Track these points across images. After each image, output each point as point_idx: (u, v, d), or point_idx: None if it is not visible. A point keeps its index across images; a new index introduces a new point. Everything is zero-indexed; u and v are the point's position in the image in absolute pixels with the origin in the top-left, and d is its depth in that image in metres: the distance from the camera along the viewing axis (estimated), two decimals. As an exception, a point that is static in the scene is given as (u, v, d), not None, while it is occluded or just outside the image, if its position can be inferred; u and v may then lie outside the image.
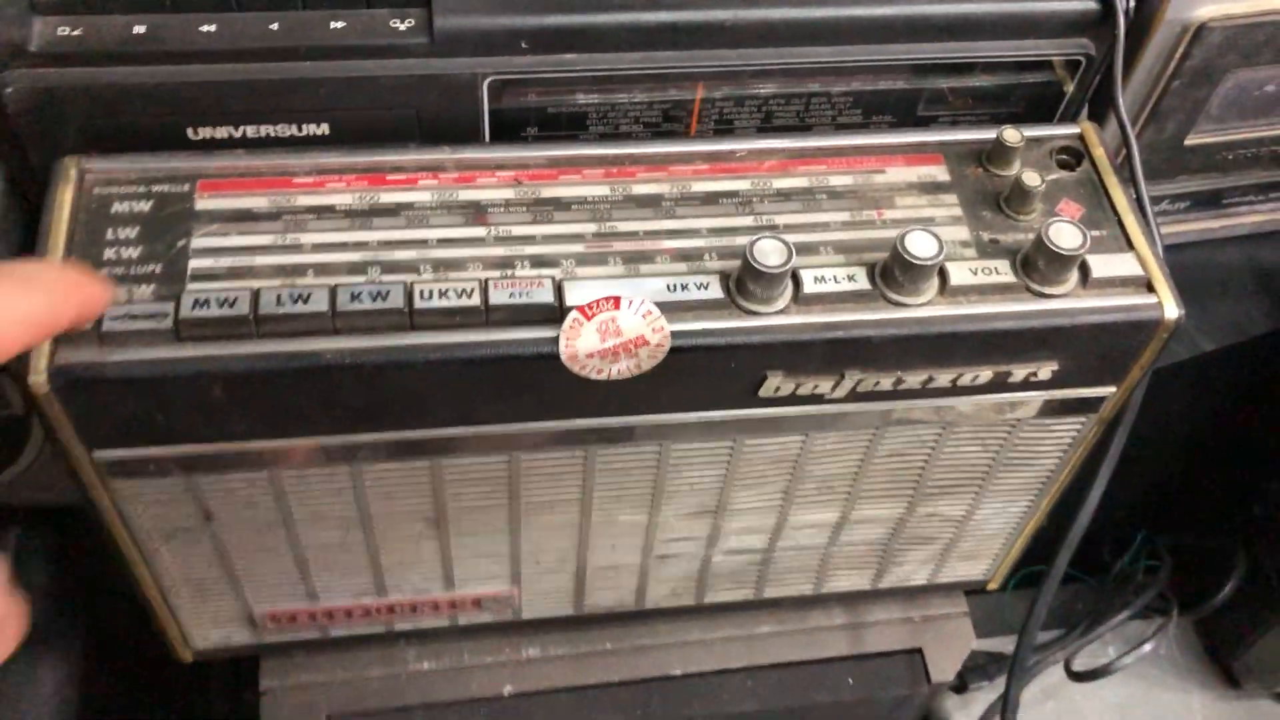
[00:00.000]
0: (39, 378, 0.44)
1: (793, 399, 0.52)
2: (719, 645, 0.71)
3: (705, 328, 0.48)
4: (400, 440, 0.51)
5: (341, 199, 0.50)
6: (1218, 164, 0.67)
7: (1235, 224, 0.73)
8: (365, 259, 0.48)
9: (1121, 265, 0.51)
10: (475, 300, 0.47)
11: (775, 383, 0.50)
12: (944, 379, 0.52)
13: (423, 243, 0.49)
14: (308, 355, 0.46)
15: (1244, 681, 0.92)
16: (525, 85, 0.52)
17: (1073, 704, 0.89)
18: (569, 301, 0.47)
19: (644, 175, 0.52)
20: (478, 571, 0.61)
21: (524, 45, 0.51)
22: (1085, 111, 0.60)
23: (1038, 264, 0.50)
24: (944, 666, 0.72)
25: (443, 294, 0.47)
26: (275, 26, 0.50)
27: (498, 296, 0.47)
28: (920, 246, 0.48)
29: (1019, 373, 0.52)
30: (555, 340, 0.47)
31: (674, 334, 0.47)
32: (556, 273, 0.49)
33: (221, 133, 0.51)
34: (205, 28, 0.49)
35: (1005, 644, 0.86)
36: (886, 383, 0.51)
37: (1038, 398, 0.55)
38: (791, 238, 0.47)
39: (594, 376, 0.48)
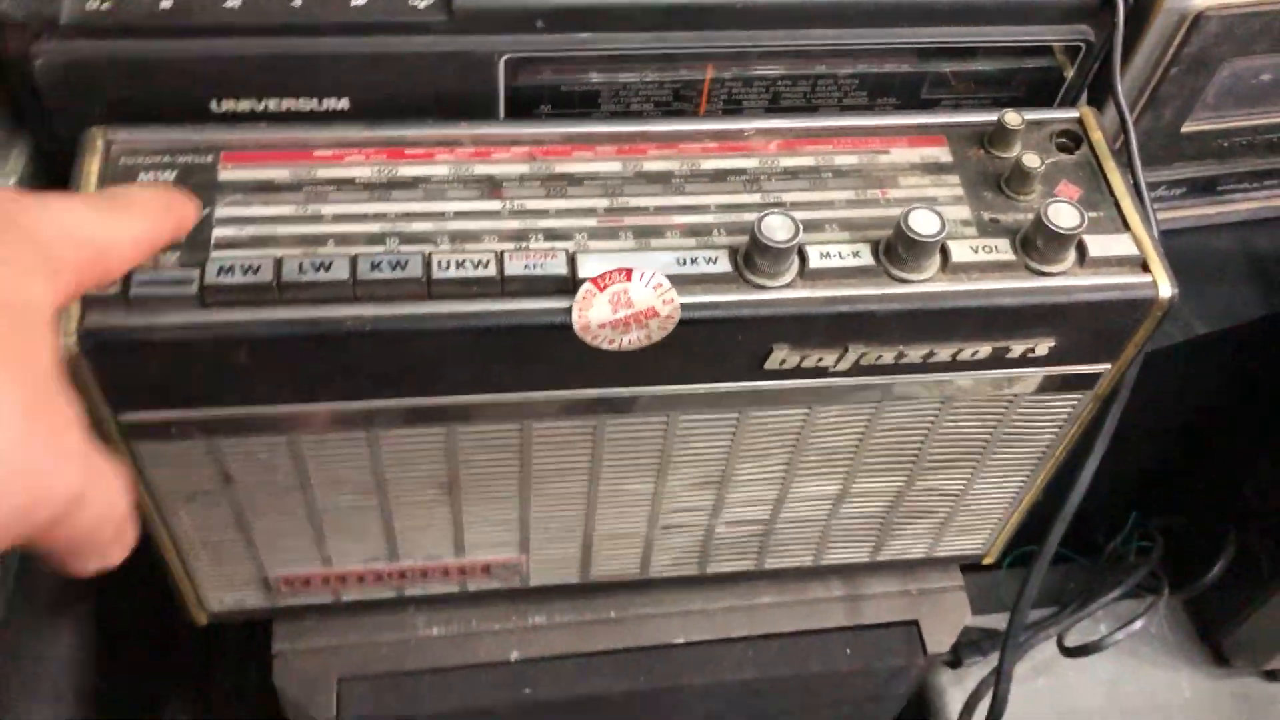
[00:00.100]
0: (69, 339, 0.45)
1: (797, 372, 0.53)
2: (720, 615, 0.72)
3: (714, 300, 0.49)
4: (416, 406, 0.52)
5: (361, 172, 0.51)
6: (1213, 151, 0.69)
7: (1230, 210, 0.74)
8: (384, 230, 0.50)
9: (1118, 245, 0.52)
10: (491, 271, 0.48)
11: (781, 355, 0.52)
12: (944, 354, 0.53)
13: (440, 215, 0.50)
14: (329, 321, 0.47)
15: (1233, 659, 0.93)
16: (540, 63, 0.54)
17: (1064, 680, 0.91)
18: (582, 273, 0.48)
19: (655, 153, 0.54)
20: (487, 538, 0.62)
21: (540, 24, 0.52)
22: (1084, 97, 0.62)
23: (1037, 243, 0.51)
24: (940, 638, 0.73)
25: (460, 264, 0.48)
26: (298, 3, 0.51)
27: (513, 268, 0.48)
28: (923, 224, 0.49)
29: (1017, 348, 0.54)
30: (568, 310, 0.48)
31: (683, 306, 0.49)
32: (570, 245, 0.50)
33: (244, 106, 0.52)
34: (230, 3, 0.50)
35: (999, 621, 0.87)
36: (889, 357, 0.53)
37: (1035, 374, 0.56)
38: (798, 215, 0.49)
39: (605, 347, 0.49)
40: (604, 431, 0.56)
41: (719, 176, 0.53)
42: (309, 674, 0.67)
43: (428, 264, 0.48)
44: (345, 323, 0.47)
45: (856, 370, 0.54)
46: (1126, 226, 0.54)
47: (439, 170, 0.52)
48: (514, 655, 0.69)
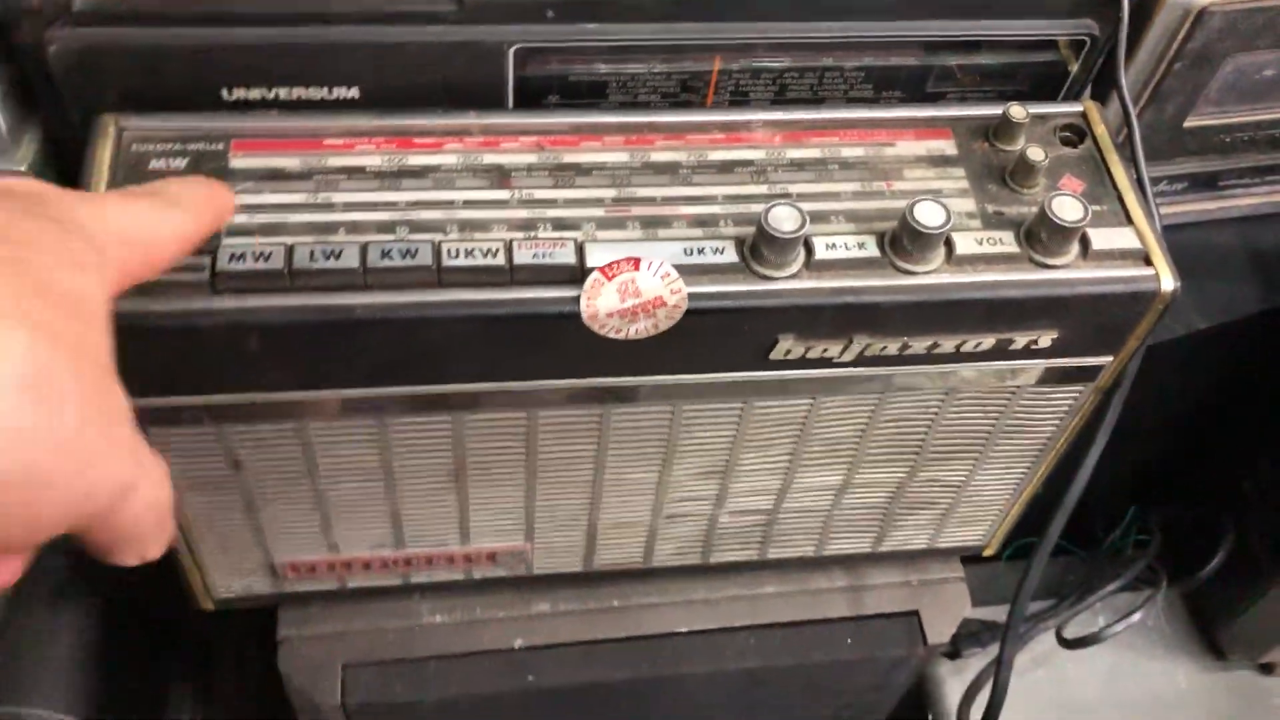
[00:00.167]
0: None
1: (802, 362, 0.54)
2: (723, 604, 0.73)
3: (721, 290, 0.50)
4: (424, 394, 0.52)
5: (371, 160, 0.52)
6: (1215, 146, 0.69)
7: (1231, 206, 0.75)
8: (394, 219, 0.50)
9: (1121, 238, 0.53)
10: (500, 260, 0.49)
11: (786, 346, 0.52)
12: (948, 345, 0.54)
13: (449, 204, 0.51)
14: (340, 309, 0.47)
15: (1229, 652, 0.94)
16: (549, 54, 0.54)
17: (1062, 671, 0.91)
18: (590, 263, 0.49)
19: (662, 143, 0.54)
20: (493, 526, 0.63)
21: (549, 14, 0.52)
22: (1088, 91, 0.62)
23: (1040, 235, 0.52)
24: (940, 629, 0.74)
25: (469, 253, 0.49)
26: (309, -8, 0.51)
27: (522, 256, 0.49)
28: (928, 216, 0.50)
29: (1020, 340, 0.54)
30: (577, 299, 0.48)
31: (690, 296, 0.49)
32: (578, 235, 0.50)
33: (255, 94, 0.53)
34: (242, -9, 0.51)
35: (999, 613, 0.88)
36: (893, 348, 0.53)
37: (1038, 365, 0.57)
38: (804, 206, 0.49)
39: (613, 336, 0.50)
40: (609, 420, 0.56)
41: (726, 167, 0.54)
42: (314, 660, 0.67)
43: (437, 252, 0.48)
44: (356, 310, 0.47)
45: (861, 361, 0.54)
46: (1129, 220, 0.54)
47: (448, 159, 0.52)
48: (518, 643, 0.70)
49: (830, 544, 0.70)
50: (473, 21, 0.52)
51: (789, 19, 0.55)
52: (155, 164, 0.50)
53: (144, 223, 0.39)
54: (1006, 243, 0.52)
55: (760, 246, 0.50)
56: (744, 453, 0.60)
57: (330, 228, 0.49)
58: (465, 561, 0.65)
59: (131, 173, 0.50)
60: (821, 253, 0.51)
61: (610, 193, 0.52)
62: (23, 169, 0.53)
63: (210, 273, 0.47)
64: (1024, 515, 0.71)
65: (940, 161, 0.55)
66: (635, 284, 0.49)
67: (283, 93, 0.53)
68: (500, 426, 0.55)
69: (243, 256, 0.47)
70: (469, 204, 0.51)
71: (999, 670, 0.69)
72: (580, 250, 0.49)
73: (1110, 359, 0.57)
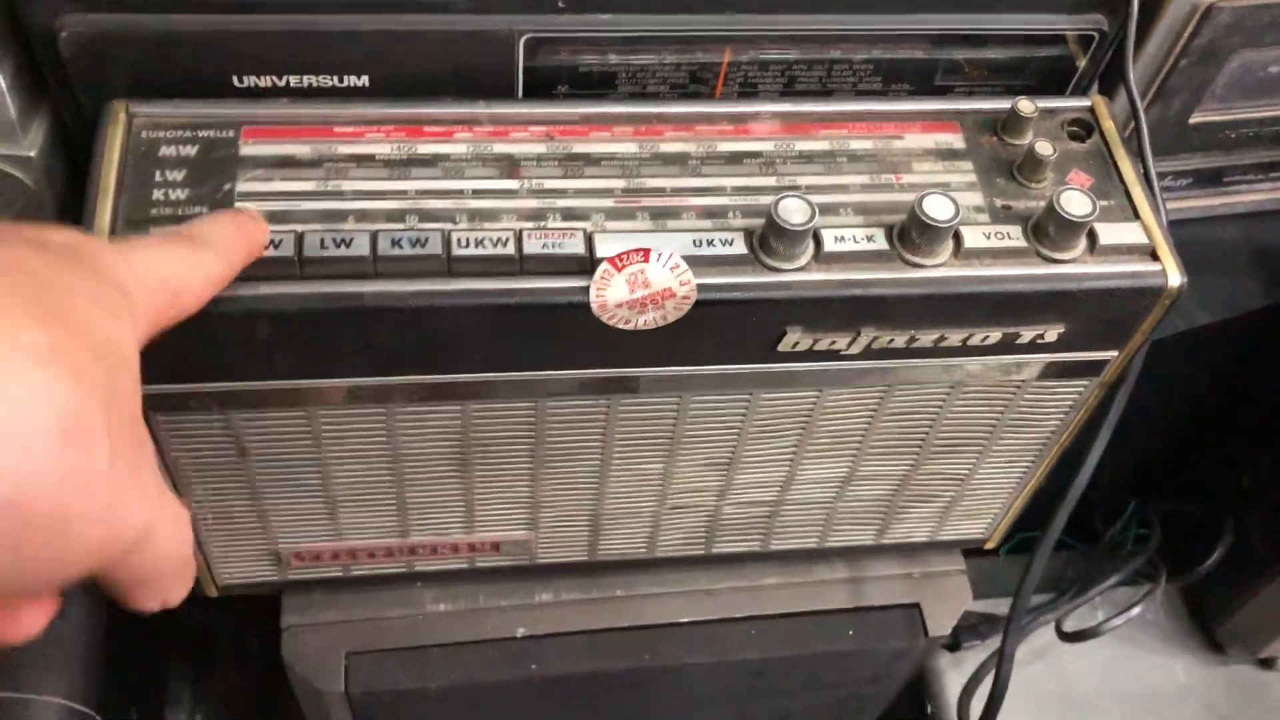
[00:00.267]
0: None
1: (810, 354, 0.54)
2: (725, 595, 0.73)
3: (729, 282, 0.50)
4: (432, 383, 0.52)
5: (380, 149, 0.52)
6: (1220, 142, 0.69)
7: (1235, 202, 0.75)
8: (403, 207, 0.50)
9: (1128, 234, 0.53)
10: (510, 250, 0.49)
11: (794, 338, 0.52)
12: (955, 338, 0.54)
13: (459, 193, 0.51)
14: (349, 297, 0.47)
15: (1227, 647, 0.94)
16: (559, 44, 0.54)
17: (1061, 664, 0.91)
18: (599, 253, 0.49)
19: (671, 134, 0.54)
20: (498, 515, 0.63)
21: (560, 4, 0.52)
22: (1095, 86, 0.62)
23: (1048, 230, 0.52)
24: (941, 621, 0.74)
25: (479, 243, 0.49)
26: (321, -21, 0.51)
27: (531, 246, 0.49)
28: (937, 209, 0.50)
29: (1027, 334, 0.54)
30: (586, 290, 0.49)
31: (699, 287, 0.49)
32: (587, 225, 0.50)
33: (265, 81, 0.53)
34: (253, -22, 0.51)
35: (998, 606, 0.88)
36: (900, 340, 0.53)
37: (1043, 359, 0.57)
38: (813, 198, 0.49)
39: (621, 326, 0.50)
40: (616, 411, 0.56)
41: (735, 159, 0.54)
42: (317, 648, 0.67)
43: (447, 242, 0.48)
44: (366, 298, 0.47)
45: (868, 354, 0.54)
46: (1136, 215, 0.54)
47: (458, 149, 0.52)
48: (521, 632, 0.70)
49: (833, 536, 0.70)
50: (484, 11, 0.52)
51: (799, 11, 0.55)
52: (165, 151, 0.50)
53: (174, 270, 0.39)
54: (1014, 237, 0.52)
55: (769, 238, 0.50)
56: (749, 444, 0.60)
57: (340, 216, 0.49)
58: (469, 550, 0.65)
59: (142, 159, 0.50)
60: (830, 245, 0.51)
61: (620, 183, 0.52)
62: (32, 154, 0.53)
63: (220, 260, 0.47)
64: (1025, 509, 0.71)
65: (948, 155, 0.55)
66: (645, 275, 0.49)
67: (293, 80, 0.53)
68: (507, 416, 0.55)
69: (253, 244, 0.47)
70: (478, 193, 0.51)
71: (1000, 663, 0.69)
72: (590, 241, 0.49)
73: (1115, 354, 0.57)
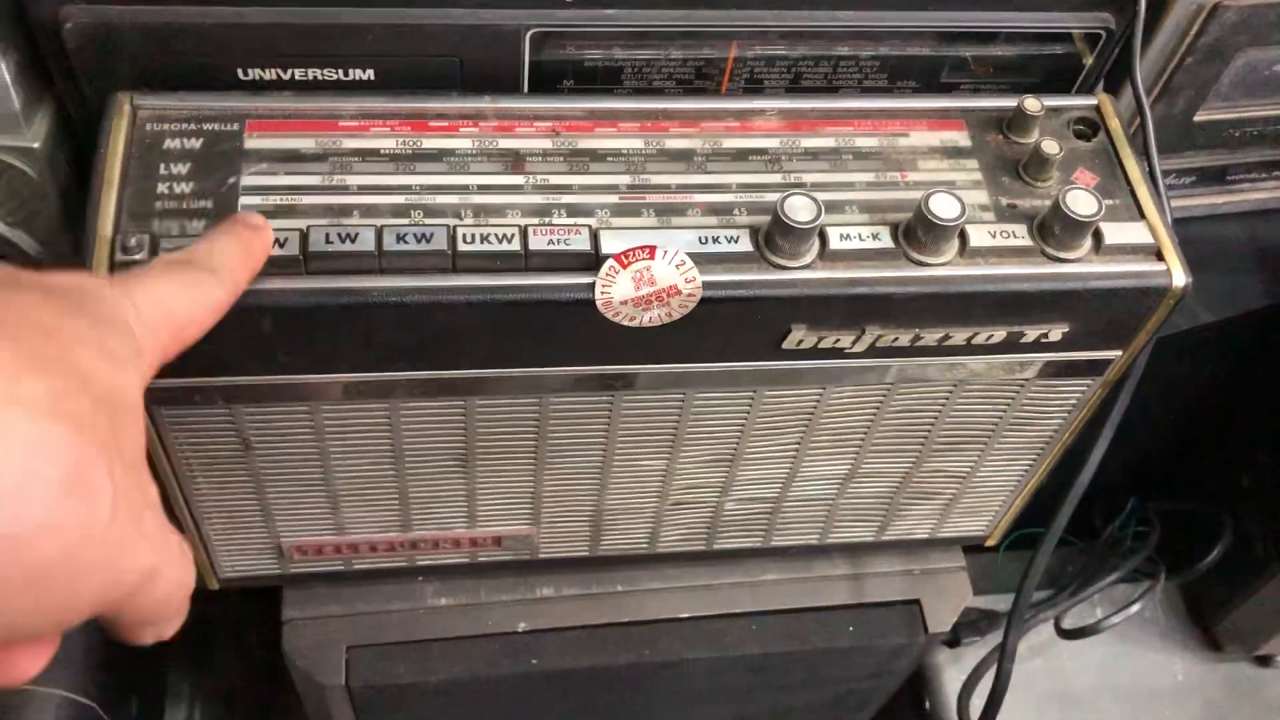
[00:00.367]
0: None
1: (814, 352, 0.54)
2: (725, 590, 0.73)
3: (735, 279, 0.50)
4: (436, 379, 0.52)
5: (385, 143, 0.51)
6: (1225, 141, 0.69)
7: (1239, 200, 0.75)
8: (408, 202, 0.50)
9: (1133, 233, 0.53)
10: (515, 246, 0.48)
11: (799, 336, 0.52)
12: (959, 337, 0.54)
13: (464, 188, 0.51)
14: (354, 292, 0.47)
15: (1225, 644, 0.95)
16: (565, 38, 0.54)
17: (1060, 661, 0.92)
18: (605, 250, 0.49)
19: (677, 130, 0.54)
20: (500, 510, 0.63)
21: (567, -1, 0.52)
22: (1101, 84, 0.62)
23: (1054, 229, 0.52)
24: (941, 618, 0.74)
25: (484, 238, 0.48)
26: (326, -27, 0.51)
27: (537, 242, 0.49)
28: (943, 208, 0.50)
29: (1031, 333, 0.54)
30: (591, 286, 0.48)
31: (705, 284, 0.49)
32: (592, 222, 0.50)
33: (270, 74, 0.53)
34: (258, -29, 0.51)
35: (997, 602, 0.89)
36: (905, 339, 0.53)
37: (1047, 359, 0.57)
38: (819, 196, 0.49)
39: (626, 323, 0.50)
40: (620, 407, 0.56)
41: (740, 156, 0.54)
42: (318, 642, 0.67)
43: (453, 237, 0.48)
44: (370, 294, 0.47)
45: (872, 352, 0.54)
46: (1142, 215, 0.54)
47: (463, 144, 0.52)
48: (521, 626, 0.70)
49: (834, 532, 0.70)
50: (490, 5, 0.52)
51: (805, 7, 0.55)
52: (170, 144, 0.50)
53: (179, 304, 0.40)
54: (1019, 236, 0.52)
55: (775, 236, 0.50)
56: (752, 441, 0.60)
57: (344, 210, 0.49)
58: (471, 545, 0.65)
59: (147, 151, 0.49)
60: (836, 243, 0.51)
61: (625, 179, 0.52)
62: (36, 146, 0.53)
63: (225, 254, 0.46)
64: (1025, 506, 0.71)
65: (954, 153, 0.55)
66: (650, 272, 0.49)
67: (298, 73, 0.53)
68: (511, 412, 0.55)
69: (258, 239, 0.47)
70: (483, 189, 0.51)
71: (1001, 660, 0.69)
72: (595, 237, 0.49)
73: (1119, 353, 0.57)
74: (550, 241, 0.49)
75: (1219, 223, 0.76)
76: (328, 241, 0.47)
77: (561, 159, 0.52)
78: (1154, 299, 0.54)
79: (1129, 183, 0.55)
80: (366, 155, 0.51)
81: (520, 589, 0.71)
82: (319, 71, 0.53)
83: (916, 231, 0.51)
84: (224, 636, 0.91)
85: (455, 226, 0.49)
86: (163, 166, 0.49)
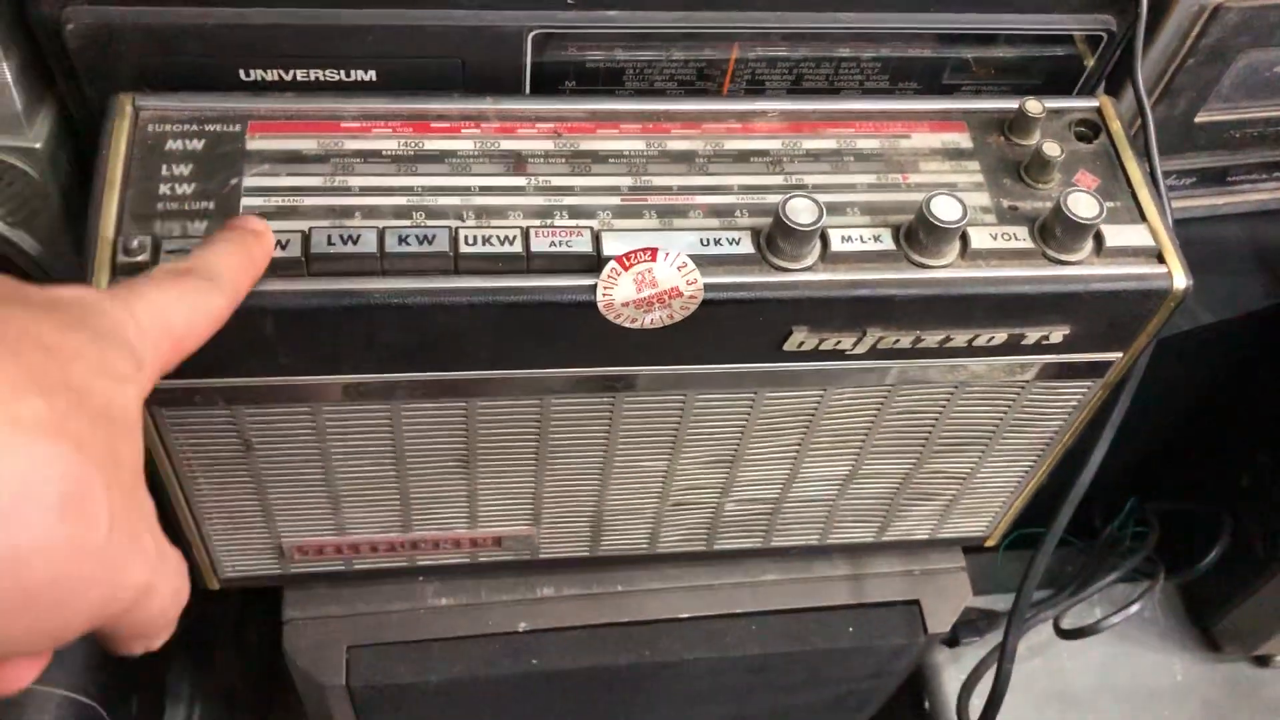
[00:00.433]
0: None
1: (815, 354, 0.54)
2: (725, 590, 0.73)
3: (736, 281, 0.50)
4: (437, 380, 0.52)
5: (387, 144, 0.51)
6: (1225, 142, 0.69)
7: (1239, 201, 0.75)
8: (410, 204, 0.50)
9: (1134, 236, 0.53)
10: (518, 247, 0.49)
11: (800, 337, 0.52)
12: (961, 339, 0.54)
13: (465, 190, 0.51)
14: (356, 294, 0.47)
15: (1224, 645, 0.95)
16: (567, 39, 0.54)
17: (1059, 661, 0.92)
18: (606, 252, 0.49)
19: (678, 132, 0.54)
20: (501, 511, 0.63)
21: (569, 0, 0.52)
22: (1103, 85, 0.62)
23: (1055, 231, 0.52)
24: (941, 618, 0.74)
25: (486, 240, 0.48)
26: (328, -27, 0.51)
27: (539, 244, 0.49)
28: (945, 210, 0.50)
29: (1032, 335, 0.54)
30: (593, 288, 0.48)
31: (706, 287, 0.49)
32: (594, 223, 0.50)
33: (272, 75, 0.53)
34: (260, -28, 0.50)
35: (996, 602, 0.89)
36: (906, 341, 0.53)
37: (1048, 360, 0.57)
38: (820, 197, 0.49)
39: (628, 325, 0.50)
40: (621, 408, 0.56)
41: (742, 157, 0.54)
42: (319, 641, 0.67)
43: (455, 239, 0.48)
44: (372, 296, 0.47)
45: (873, 353, 0.54)
46: (1143, 217, 0.54)
47: (465, 145, 0.52)
48: (522, 626, 0.70)
49: (834, 533, 0.70)
50: (492, 6, 0.52)
51: (807, 9, 0.55)
52: (172, 145, 0.50)
53: (179, 315, 0.39)
54: (1021, 238, 0.52)
55: (777, 238, 0.50)
56: (753, 442, 0.60)
57: (346, 212, 0.49)
58: (471, 545, 0.65)
59: (149, 152, 0.49)
60: (837, 245, 0.51)
61: (627, 181, 0.52)
62: (37, 146, 0.53)
63: (227, 256, 0.46)
64: (1025, 506, 0.71)
65: (955, 154, 0.55)
66: (652, 274, 0.49)
67: (300, 74, 0.53)
68: (512, 413, 0.55)
69: (260, 240, 0.47)
70: (485, 190, 0.51)
71: (1001, 661, 0.69)
72: (597, 239, 0.49)
73: (1120, 355, 0.57)
74: (552, 243, 0.49)
75: (1219, 223, 0.76)
76: (329, 243, 0.47)
77: (563, 160, 0.52)
78: (1155, 301, 0.54)
79: (1130, 185, 0.55)
80: (368, 156, 0.51)
81: (520, 589, 0.71)
82: (321, 72, 0.53)
83: (918, 233, 0.51)
84: (224, 636, 0.91)
85: (457, 228, 0.49)
86: (165, 168, 0.49)
